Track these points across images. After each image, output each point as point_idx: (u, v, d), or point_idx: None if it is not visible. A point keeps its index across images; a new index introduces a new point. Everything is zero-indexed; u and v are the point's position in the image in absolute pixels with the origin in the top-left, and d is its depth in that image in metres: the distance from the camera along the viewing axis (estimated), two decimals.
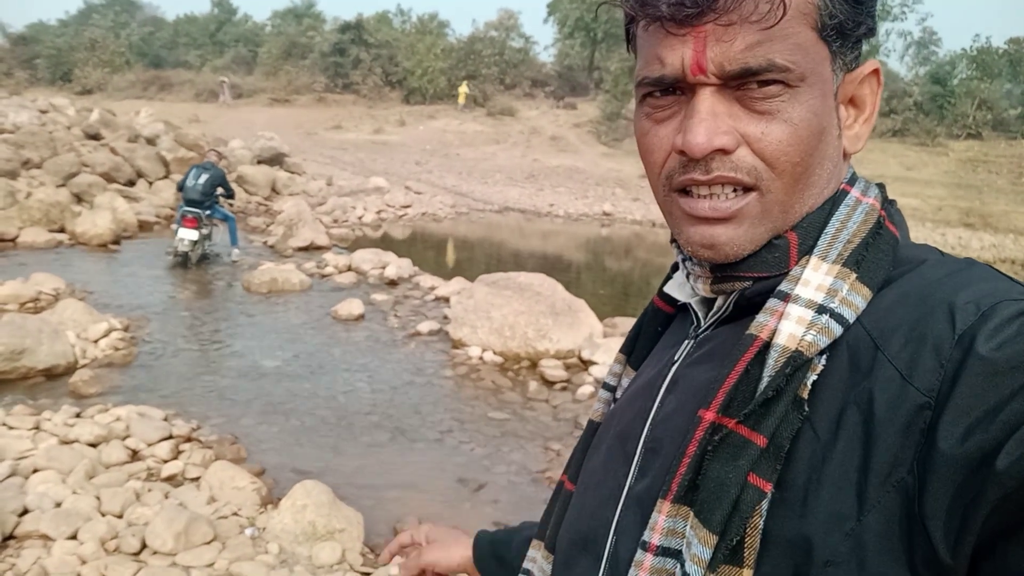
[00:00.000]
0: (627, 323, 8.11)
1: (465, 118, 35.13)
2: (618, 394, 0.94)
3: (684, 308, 0.87)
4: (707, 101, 0.66)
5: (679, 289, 0.83)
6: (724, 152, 0.66)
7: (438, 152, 29.47)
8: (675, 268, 0.87)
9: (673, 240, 0.80)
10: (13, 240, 10.64)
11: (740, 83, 0.65)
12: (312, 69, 41.57)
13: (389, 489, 4.73)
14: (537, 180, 25.12)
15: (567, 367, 7.14)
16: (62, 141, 15.90)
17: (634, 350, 0.93)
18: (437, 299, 9.54)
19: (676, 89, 0.68)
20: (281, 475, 4.77)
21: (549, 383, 6.85)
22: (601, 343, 7.33)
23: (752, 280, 0.71)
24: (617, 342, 7.30)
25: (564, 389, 6.74)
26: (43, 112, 20.04)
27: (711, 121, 0.65)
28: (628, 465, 0.77)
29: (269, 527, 3.83)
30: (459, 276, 9.94)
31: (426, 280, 10.28)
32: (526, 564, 0.96)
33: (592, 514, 0.80)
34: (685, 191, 0.70)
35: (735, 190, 0.68)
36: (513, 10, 48.73)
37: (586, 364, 7.18)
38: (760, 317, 0.67)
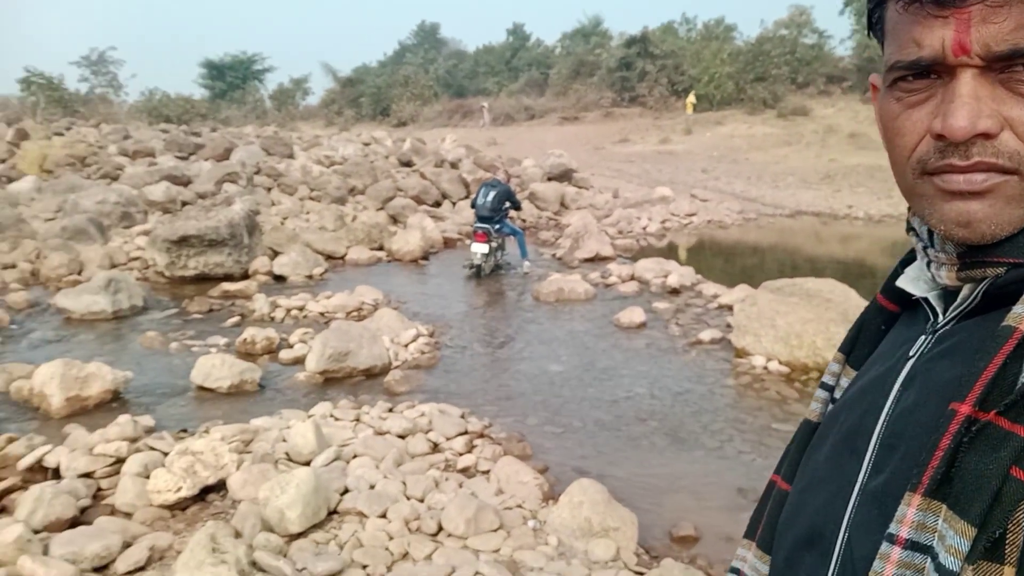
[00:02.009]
0: None
1: (754, 121, 34.03)
2: (836, 394, 0.92)
3: (912, 305, 0.84)
4: (969, 84, 0.64)
5: (913, 283, 0.81)
6: (987, 136, 0.64)
7: (726, 158, 28.83)
8: (904, 264, 0.86)
9: (910, 229, 0.78)
10: (342, 258, 12.17)
11: (1006, 65, 0.63)
12: (599, 85, 42.69)
13: (666, 493, 4.77)
14: (834, 181, 23.61)
15: None
16: (381, 169, 17.91)
17: (853, 349, 0.91)
18: (720, 307, 9.38)
19: (931, 72, 0.67)
20: (562, 473, 5.00)
21: None
22: None
23: (1007, 266, 0.67)
24: None
25: None
26: (366, 144, 22.68)
27: (974, 104, 0.64)
28: (859, 461, 0.75)
29: (549, 520, 4.05)
30: (743, 284, 9.68)
31: (708, 288, 10.14)
32: (735, 563, 0.96)
33: (818, 511, 0.79)
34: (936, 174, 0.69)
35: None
36: (805, 5, 46.31)
37: None
38: (1018, 308, 0.64)
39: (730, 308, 9.10)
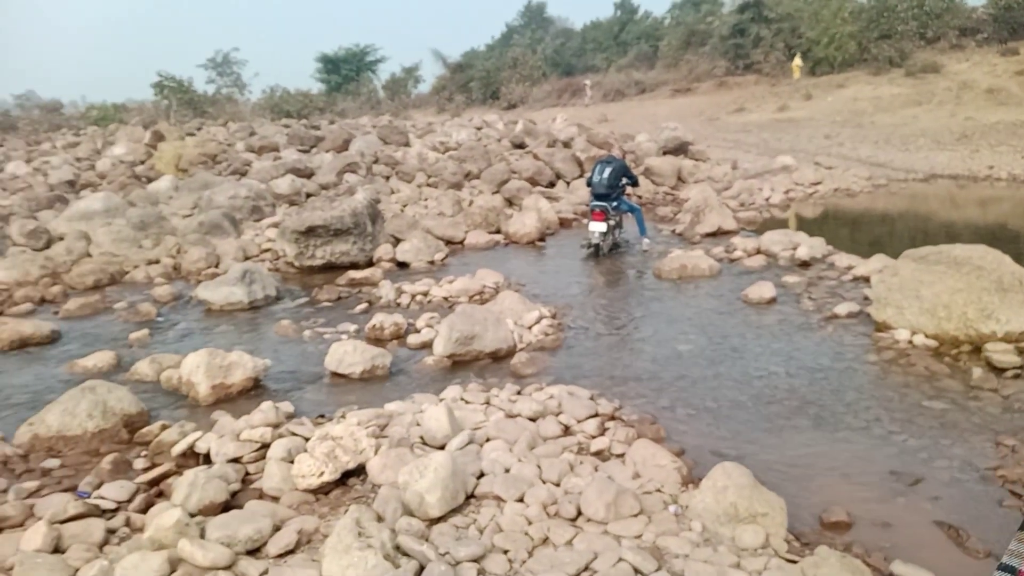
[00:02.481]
0: None
1: (880, 82, 32.23)
2: None
3: None
4: None
5: None
6: None
7: (850, 122, 27.46)
8: None
9: None
10: (461, 242, 12.28)
11: None
12: (712, 55, 41.49)
13: (812, 477, 4.55)
14: (971, 140, 22.11)
15: (1020, 351, 6.19)
16: (494, 152, 17.96)
17: None
18: (855, 279, 8.92)
19: None
20: (700, 456, 4.86)
21: (998, 370, 6.01)
22: None
23: None
24: None
25: (1018, 377, 5.86)
26: (478, 129, 22.82)
27: None
28: None
29: (691, 506, 3.93)
30: (879, 253, 9.16)
31: (842, 259, 9.66)
32: (1009, 560, 0.86)
33: None
34: None
35: None
36: None
37: None
38: None
39: (866, 280, 8.64)
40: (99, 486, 4.56)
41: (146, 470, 4.85)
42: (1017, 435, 4.95)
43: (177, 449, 4.98)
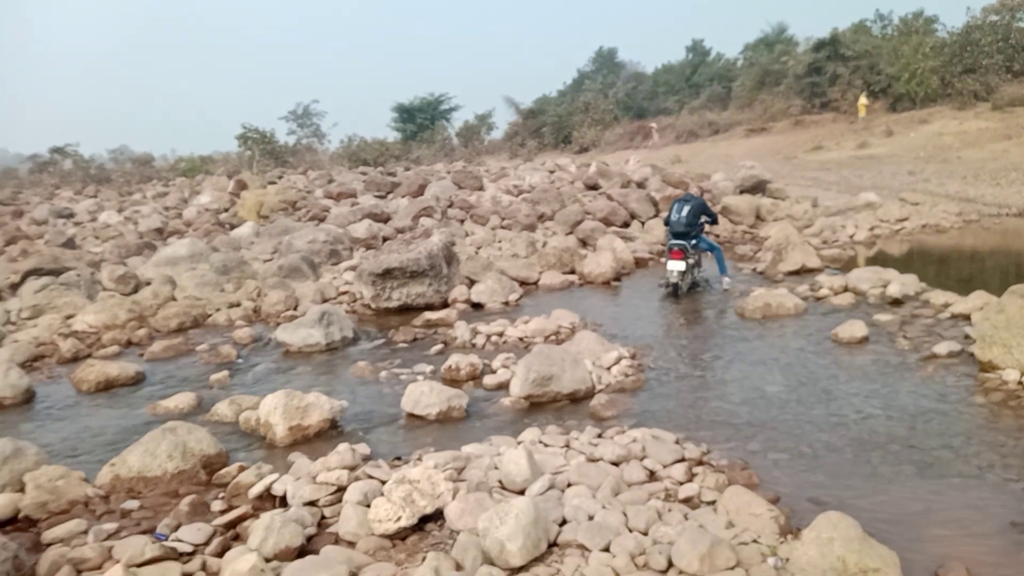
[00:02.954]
0: None
1: (965, 116, 31.17)
2: None
3: None
4: None
5: None
6: None
7: (934, 158, 26.56)
8: None
9: None
10: (535, 283, 12.16)
11: None
12: (787, 94, 40.92)
13: (924, 528, 4.19)
14: None
15: None
16: (567, 194, 17.91)
17: None
18: (953, 317, 8.43)
19: None
20: (797, 504, 4.54)
21: None
22: None
23: None
24: None
25: None
26: (551, 172, 22.86)
27: None
28: None
29: (793, 558, 3.63)
30: (979, 290, 8.65)
31: (937, 296, 9.16)
32: None
33: None
34: None
35: None
36: None
37: None
38: None
39: (966, 318, 8.17)
40: (177, 528, 4.51)
41: (223, 512, 4.79)
42: None
43: (254, 491, 4.92)
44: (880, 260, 12.48)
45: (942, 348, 7.35)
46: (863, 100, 36.41)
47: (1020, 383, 6.31)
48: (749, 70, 48.45)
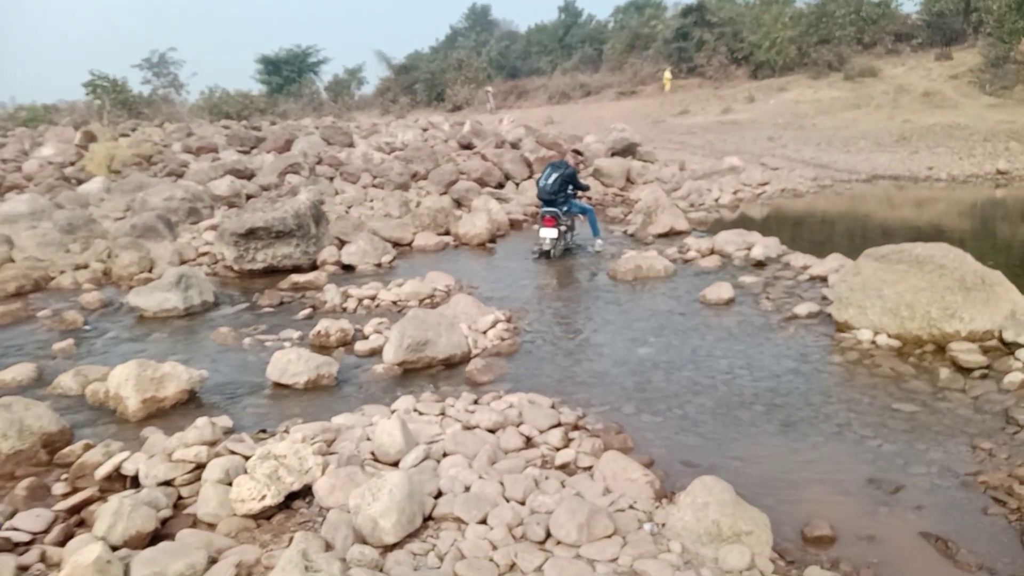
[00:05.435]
0: None
1: (820, 85, 32.74)
2: None
3: None
4: None
5: None
6: None
7: (792, 125, 27.79)
8: None
9: None
10: (409, 244, 11.88)
11: None
12: (656, 58, 41.78)
13: (790, 487, 4.31)
14: (909, 142, 22.53)
15: (985, 351, 6.08)
16: (442, 153, 17.61)
17: None
18: (812, 279, 8.80)
19: None
20: (671, 467, 4.59)
21: (964, 370, 5.89)
22: None
23: None
24: None
25: (985, 377, 5.74)
26: (424, 130, 22.44)
27: None
28: None
29: (669, 524, 3.64)
30: (835, 253, 9.07)
31: (797, 259, 9.55)
32: None
33: None
34: None
35: None
36: None
37: (1010, 347, 6.04)
38: None
39: (824, 279, 8.54)
40: (12, 515, 4.08)
41: (66, 496, 4.38)
42: (992, 438, 4.80)
43: (101, 471, 4.50)
44: (743, 223, 12.92)
45: (802, 309, 7.65)
46: (667, 75, 38.51)
47: (873, 342, 6.63)
48: (620, 33, 49.10)
